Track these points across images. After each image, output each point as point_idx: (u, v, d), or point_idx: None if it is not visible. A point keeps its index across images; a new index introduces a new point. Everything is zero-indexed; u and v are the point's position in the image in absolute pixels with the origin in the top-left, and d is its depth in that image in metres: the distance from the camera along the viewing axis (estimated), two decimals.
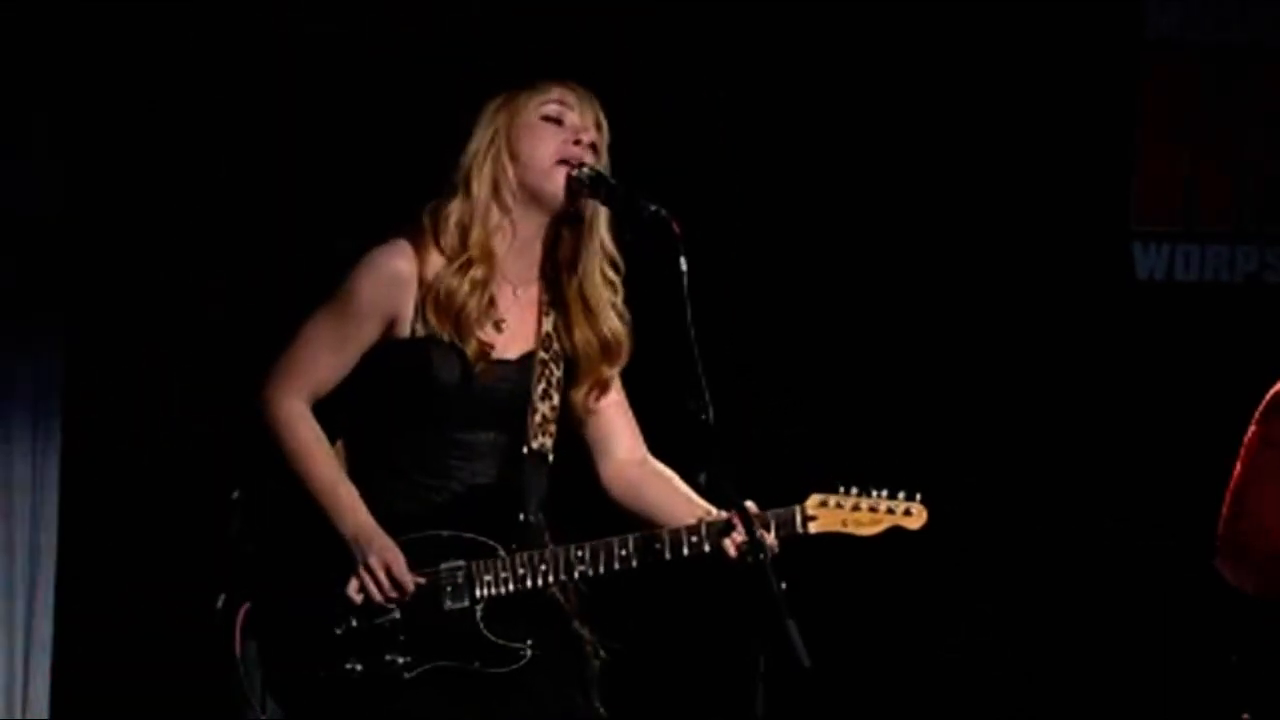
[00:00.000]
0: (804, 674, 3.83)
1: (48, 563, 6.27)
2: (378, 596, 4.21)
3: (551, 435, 4.38)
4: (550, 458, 4.39)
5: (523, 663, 4.26)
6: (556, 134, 4.31)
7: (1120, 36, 6.97)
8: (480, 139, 4.32)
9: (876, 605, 6.82)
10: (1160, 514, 6.66)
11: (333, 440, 4.33)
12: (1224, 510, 4.70)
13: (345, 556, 4.22)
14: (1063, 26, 6.86)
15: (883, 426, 6.76)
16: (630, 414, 4.49)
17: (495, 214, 4.30)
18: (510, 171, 4.30)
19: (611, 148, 4.39)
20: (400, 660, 4.23)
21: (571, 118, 4.33)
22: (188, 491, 6.12)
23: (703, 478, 4.25)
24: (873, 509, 4.38)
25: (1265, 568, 4.62)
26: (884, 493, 4.39)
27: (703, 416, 4.11)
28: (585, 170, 4.26)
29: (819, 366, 6.74)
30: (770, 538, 4.22)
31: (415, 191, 4.41)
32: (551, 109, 4.32)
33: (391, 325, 4.27)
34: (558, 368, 4.38)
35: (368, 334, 4.27)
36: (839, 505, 4.37)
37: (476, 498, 4.29)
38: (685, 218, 4.16)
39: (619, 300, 4.39)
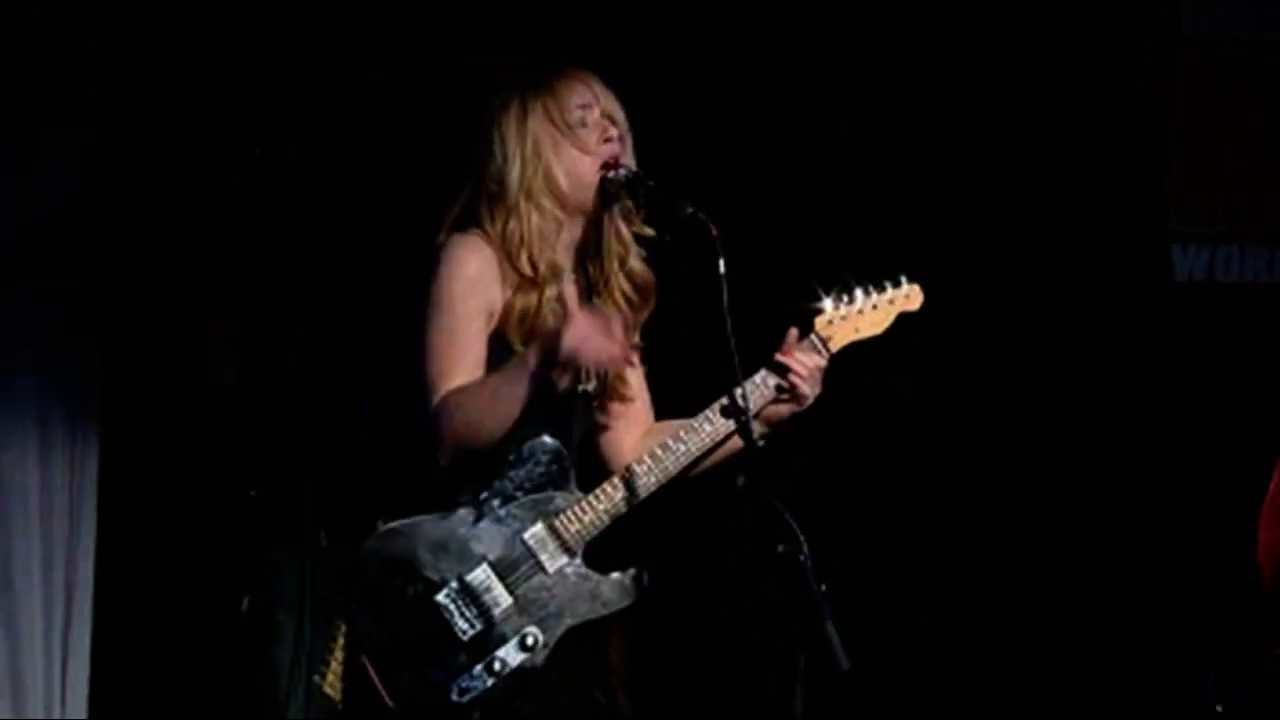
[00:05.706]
0: (843, 676, 3.82)
1: (85, 565, 6.30)
2: (613, 350, 4.12)
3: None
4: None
5: (646, 588, 4.25)
6: (590, 137, 4.27)
7: (1158, 35, 6.96)
8: (519, 152, 4.27)
9: (914, 609, 6.82)
10: (1199, 515, 6.64)
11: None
12: (1260, 527, 4.60)
13: (431, 568, 4.16)
14: (1100, 26, 6.85)
15: (922, 427, 6.75)
16: None
17: (550, 230, 4.27)
18: (563, 184, 4.27)
19: (642, 144, 4.37)
20: (537, 633, 4.20)
21: (594, 116, 4.30)
22: (221, 495, 6.15)
23: (741, 479, 4.24)
24: (874, 306, 4.42)
25: None
26: (871, 286, 4.42)
27: (742, 417, 4.11)
28: (622, 172, 4.23)
29: (861, 364, 6.74)
30: (806, 363, 4.30)
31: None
32: (581, 115, 4.28)
33: (492, 315, 4.24)
34: None
35: (481, 323, 4.22)
36: (843, 317, 4.39)
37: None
38: (721, 217, 4.15)
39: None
